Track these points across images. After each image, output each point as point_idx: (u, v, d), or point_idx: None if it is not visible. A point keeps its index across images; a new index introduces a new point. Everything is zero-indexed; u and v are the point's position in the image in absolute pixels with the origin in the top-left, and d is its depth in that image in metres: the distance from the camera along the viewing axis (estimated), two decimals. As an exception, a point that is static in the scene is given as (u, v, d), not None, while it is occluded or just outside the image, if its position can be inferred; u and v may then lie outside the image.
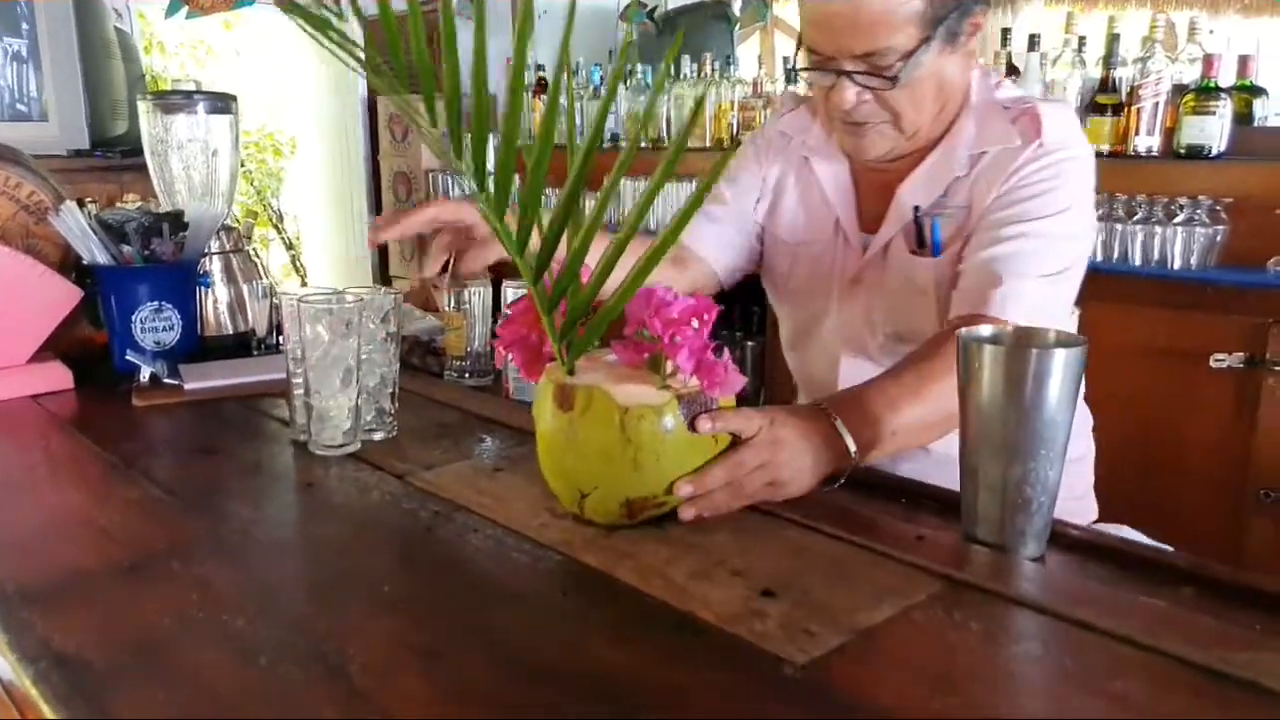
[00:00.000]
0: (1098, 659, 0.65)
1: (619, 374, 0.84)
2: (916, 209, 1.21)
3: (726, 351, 0.84)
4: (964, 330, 0.84)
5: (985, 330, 0.87)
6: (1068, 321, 1.22)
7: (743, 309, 3.34)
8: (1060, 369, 0.78)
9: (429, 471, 1.01)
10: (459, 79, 0.77)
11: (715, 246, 1.37)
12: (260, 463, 1.07)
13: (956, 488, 0.86)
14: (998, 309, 1.09)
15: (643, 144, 3.56)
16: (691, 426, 0.83)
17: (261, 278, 1.64)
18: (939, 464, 1.17)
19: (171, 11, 3.77)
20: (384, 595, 0.74)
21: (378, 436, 1.12)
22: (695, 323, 0.81)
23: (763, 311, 3.06)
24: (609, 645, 0.66)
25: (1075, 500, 1.31)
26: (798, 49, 1.22)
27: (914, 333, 1.24)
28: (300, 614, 0.71)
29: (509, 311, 0.91)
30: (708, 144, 3.35)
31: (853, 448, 0.94)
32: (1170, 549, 0.88)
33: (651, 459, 0.81)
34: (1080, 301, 1.25)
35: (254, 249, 1.67)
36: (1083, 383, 1.23)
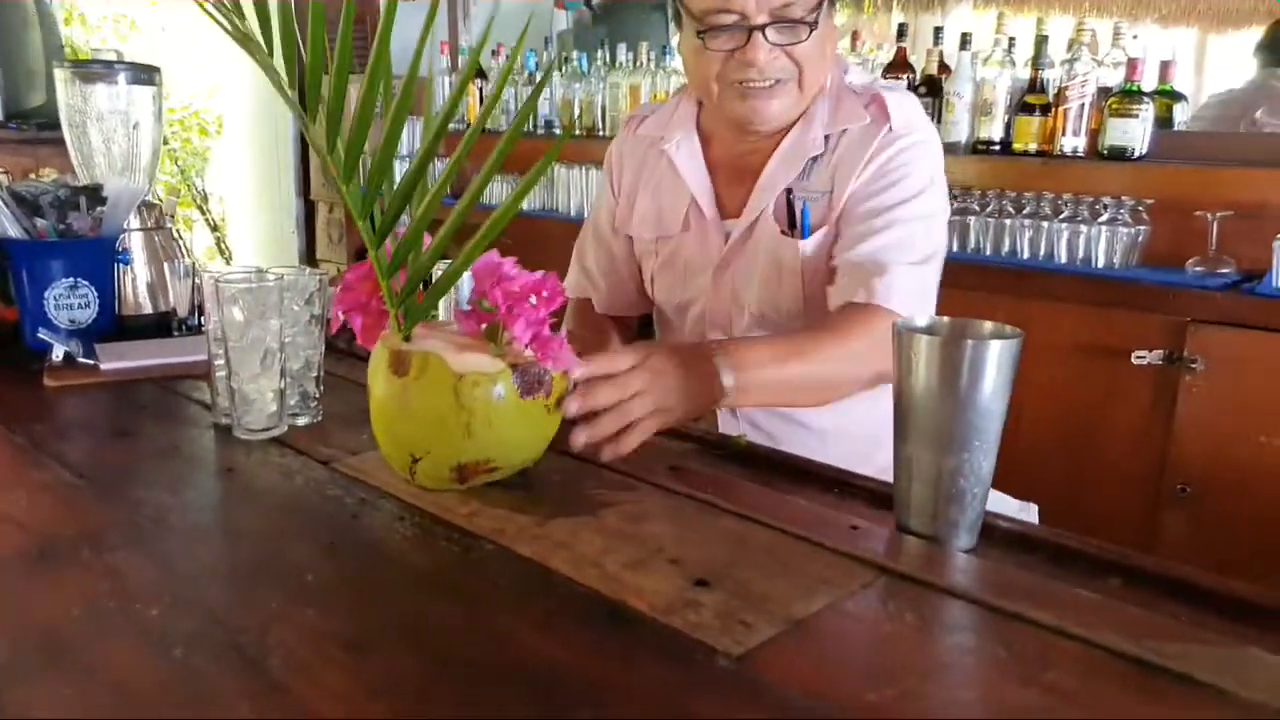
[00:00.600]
0: (1031, 649, 0.65)
1: (456, 342, 0.85)
2: (789, 190, 1.24)
3: (564, 331, 0.88)
4: (899, 321, 0.84)
5: (921, 320, 0.87)
6: (932, 305, 1.24)
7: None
8: (996, 360, 0.78)
9: (355, 457, 0.98)
10: (321, 54, 0.77)
11: (621, 304, 1.46)
12: (179, 447, 1.02)
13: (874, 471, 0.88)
14: (882, 298, 1.14)
15: (578, 132, 3.53)
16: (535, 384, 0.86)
17: (183, 256, 1.58)
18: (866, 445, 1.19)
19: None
20: (307, 585, 0.71)
21: (302, 421, 1.08)
22: (534, 299, 0.83)
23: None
24: (541, 637, 0.65)
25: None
26: (677, 17, 1.22)
27: (780, 313, 1.27)
28: (217, 604, 0.68)
29: (346, 277, 0.90)
30: (645, 133, 3.34)
31: (729, 383, 1.01)
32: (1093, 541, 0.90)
33: (484, 425, 0.83)
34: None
35: (177, 229, 1.61)
36: None
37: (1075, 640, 0.66)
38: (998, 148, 2.51)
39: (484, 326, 0.86)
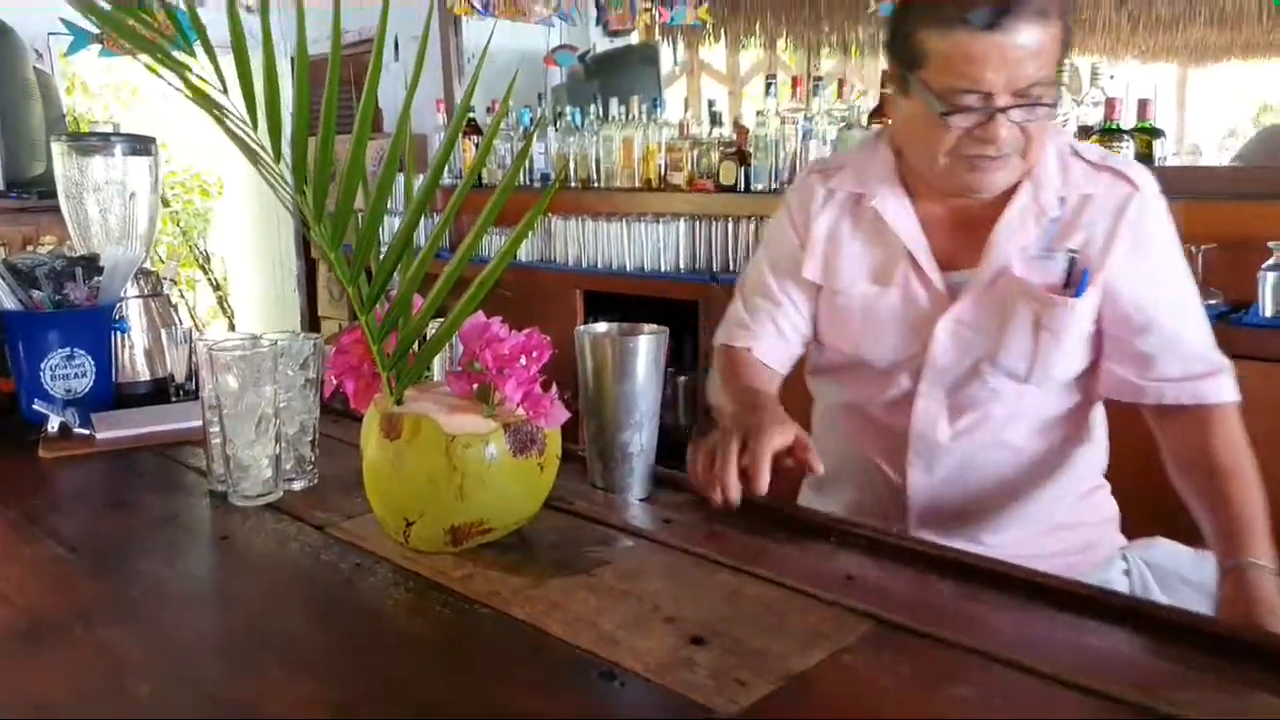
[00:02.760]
0: (1030, 701, 0.65)
1: (448, 403, 0.86)
2: (1074, 251, 1.21)
3: (555, 386, 0.88)
4: (579, 327, 1.05)
5: (600, 326, 1.09)
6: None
7: (675, 343, 3.36)
8: (644, 353, 1.02)
9: (350, 521, 0.98)
10: (307, 118, 0.78)
11: (779, 354, 1.37)
12: (175, 516, 1.02)
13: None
14: (1228, 394, 1.20)
15: (572, 183, 3.57)
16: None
17: (180, 322, 1.59)
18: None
19: (74, 49, 3.70)
20: (300, 655, 0.71)
21: (298, 485, 1.08)
22: (524, 359, 0.84)
23: (695, 345, 3.07)
24: (534, 702, 0.65)
25: (1097, 526, 1.34)
26: (898, 81, 1.19)
27: (1025, 368, 1.24)
28: (209, 678, 0.68)
29: (341, 340, 0.91)
30: (636, 184, 3.37)
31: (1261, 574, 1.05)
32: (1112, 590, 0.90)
33: (477, 486, 0.83)
34: None
35: (179, 290, 1.63)
36: (1102, 421, 1.33)
37: (1077, 689, 0.65)
38: (985, 188, 2.53)
39: (475, 387, 0.86)
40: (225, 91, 0.80)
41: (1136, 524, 1.36)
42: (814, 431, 1.40)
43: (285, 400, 1.05)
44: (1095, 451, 1.33)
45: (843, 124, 2.90)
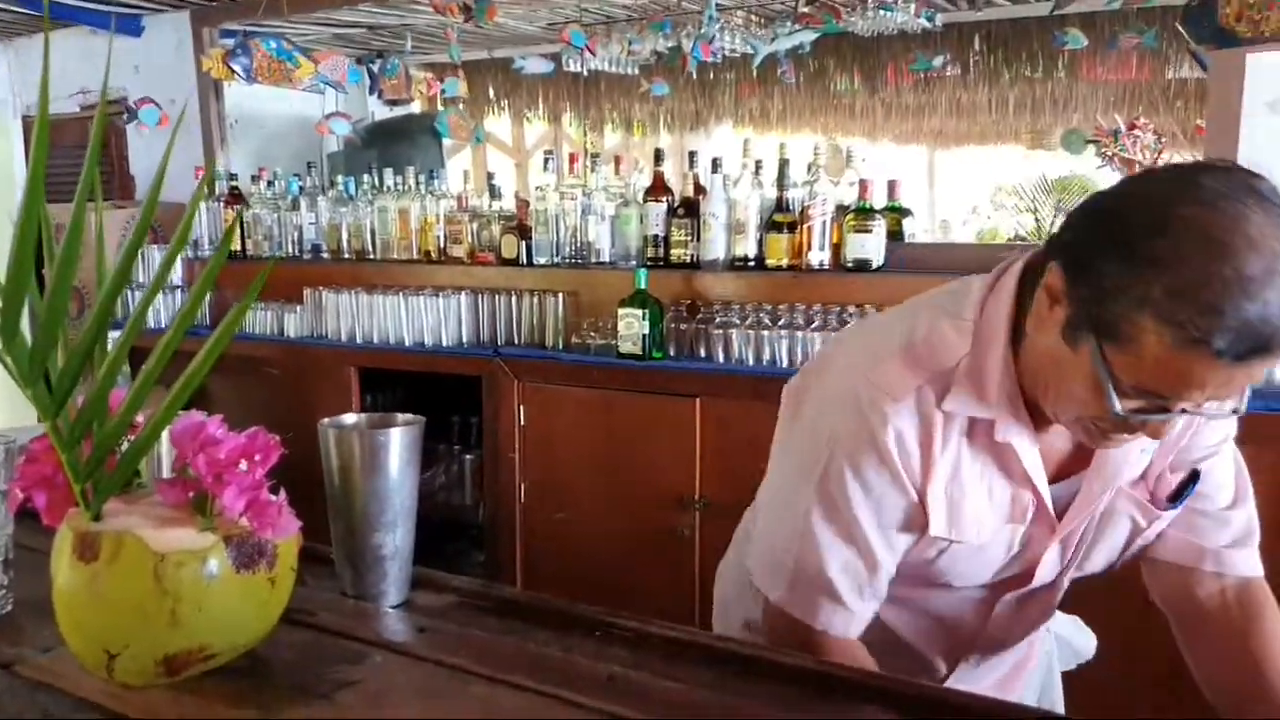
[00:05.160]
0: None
1: (157, 516, 0.77)
2: (1197, 471, 1.09)
3: (283, 491, 0.80)
4: (322, 422, 0.96)
5: (348, 418, 1.00)
6: None
7: (461, 421, 3.27)
8: (395, 447, 0.95)
9: (47, 654, 0.85)
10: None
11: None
12: None
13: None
14: (1254, 567, 1.11)
15: (346, 255, 3.44)
16: None
17: None
18: None
19: None
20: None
21: (-10, 613, 0.94)
22: (244, 464, 0.76)
23: (480, 423, 3.00)
24: None
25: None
26: (1054, 305, 0.93)
27: (1107, 566, 1.15)
28: None
29: (31, 447, 0.81)
30: (415, 255, 3.29)
31: None
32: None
33: (193, 610, 0.75)
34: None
35: None
36: None
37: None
38: (752, 263, 2.65)
39: (191, 495, 0.77)
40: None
41: None
42: None
43: (-27, 515, 0.91)
44: None
45: (619, 200, 2.96)
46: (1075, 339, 0.91)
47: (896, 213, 2.65)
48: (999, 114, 5.28)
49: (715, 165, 2.66)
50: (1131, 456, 1.05)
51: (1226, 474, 1.12)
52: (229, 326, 0.75)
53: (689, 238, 2.72)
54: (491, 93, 5.87)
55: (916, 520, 1.04)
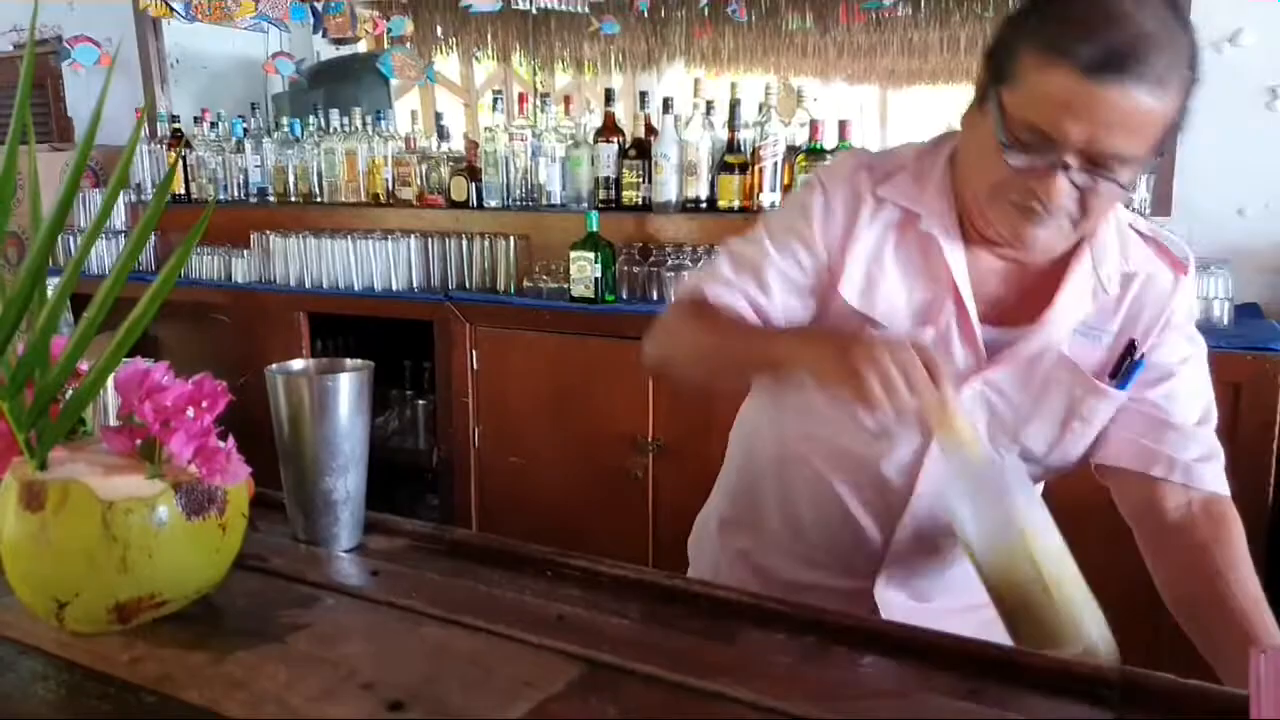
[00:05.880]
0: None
1: (104, 464, 0.77)
2: (1133, 342, 1.11)
3: (232, 438, 0.80)
4: (269, 368, 0.97)
5: (296, 364, 1.02)
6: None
7: (413, 366, 3.26)
8: (345, 391, 0.96)
9: (-4, 604, 0.85)
10: None
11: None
12: None
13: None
14: (1226, 487, 1.11)
15: (293, 198, 3.38)
16: None
17: None
18: None
19: None
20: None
21: (-64, 564, 0.93)
22: (192, 411, 0.76)
23: (431, 367, 2.99)
24: (202, 804, 0.58)
25: None
26: (981, 97, 1.04)
27: (1052, 456, 1.15)
28: None
29: None
30: (363, 198, 3.25)
31: None
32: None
33: (142, 557, 0.75)
34: None
35: None
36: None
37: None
38: (704, 205, 2.64)
39: (138, 443, 0.77)
40: None
41: None
42: (779, 470, 1.24)
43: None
44: None
45: (570, 142, 2.93)
46: (984, 95, 1.03)
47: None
48: (950, 53, 5.27)
49: (667, 106, 2.64)
50: (1074, 313, 1.10)
51: (1193, 394, 1.14)
52: (172, 271, 0.74)
53: (640, 179, 2.70)
54: (439, 31, 5.74)
55: (822, 277, 1.15)
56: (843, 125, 2.53)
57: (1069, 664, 0.77)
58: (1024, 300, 1.12)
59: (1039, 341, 1.10)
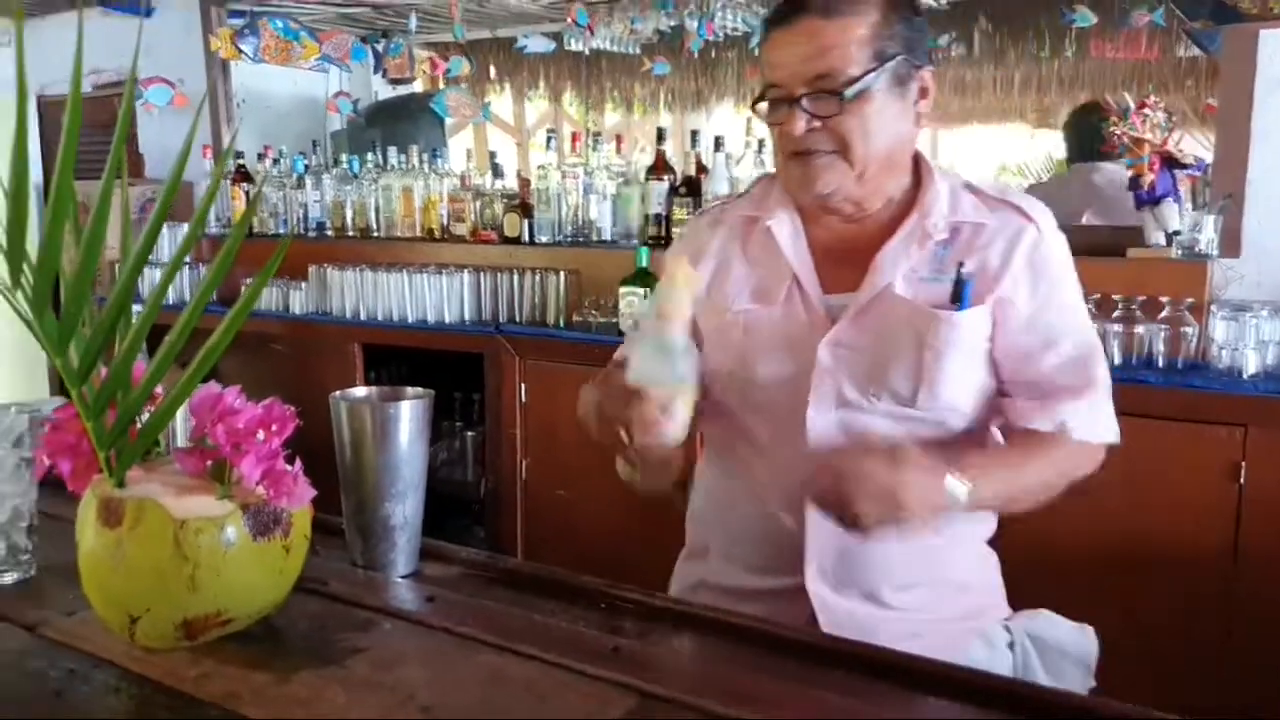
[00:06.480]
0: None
1: (177, 484, 0.79)
2: (961, 264, 1.22)
3: (299, 461, 0.82)
4: (334, 395, 1.01)
5: (358, 391, 1.06)
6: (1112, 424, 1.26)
7: (463, 398, 3.29)
8: (405, 419, 0.99)
9: (70, 618, 0.87)
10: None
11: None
12: None
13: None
14: (1067, 429, 1.20)
15: (350, 233, 3.46)
16: None
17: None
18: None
19: None
20: (-10, 789, 0.62)
21: (10, 579, 0.96)
22: (262, 434, 0.78)
23: (482, 400, 3.02)
24: (267, 819, 0.59)
25: (990, 593, 1.33)
26: (755, 101, 1.26)
27: (921, 393, 1.22)
28: None
29: (55, 417, 0.82)
30: (419, 233, 3.31)
31: (959, 492, 1.09)
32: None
33: (211, 575, 0.77)
34: None
35: None
36: None
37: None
38: (756, 243, 2.65)
39: (209, 464, 0.79)
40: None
41: (1020, 597, 1.35)
42: (707, 490, 1.38)
43: (-6, 484, 0.94)
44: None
45: (621, 179, 2.96)
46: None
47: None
48: (1004, 92, 5.26)
49: (718, 144, 2.66)
50: (900, 262, 1.23)
51: (1043, 318, 1.23)
52: (248, 300, 0.77)
53: (691, 216, 2.72)
54: (493, 72, 5.85)
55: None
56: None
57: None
58: (860, 268, 1.25)
59: (868, 292, 1.23)
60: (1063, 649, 1.26)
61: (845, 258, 1.27)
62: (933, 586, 1.25)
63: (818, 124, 1.18)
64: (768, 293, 1.29)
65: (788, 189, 1.29)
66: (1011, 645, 1.25)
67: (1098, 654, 1.26)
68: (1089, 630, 1.28)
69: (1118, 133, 2.27)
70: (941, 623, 1.22)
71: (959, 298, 1.21)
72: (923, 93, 1.25)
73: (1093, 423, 1.22)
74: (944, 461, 1.10)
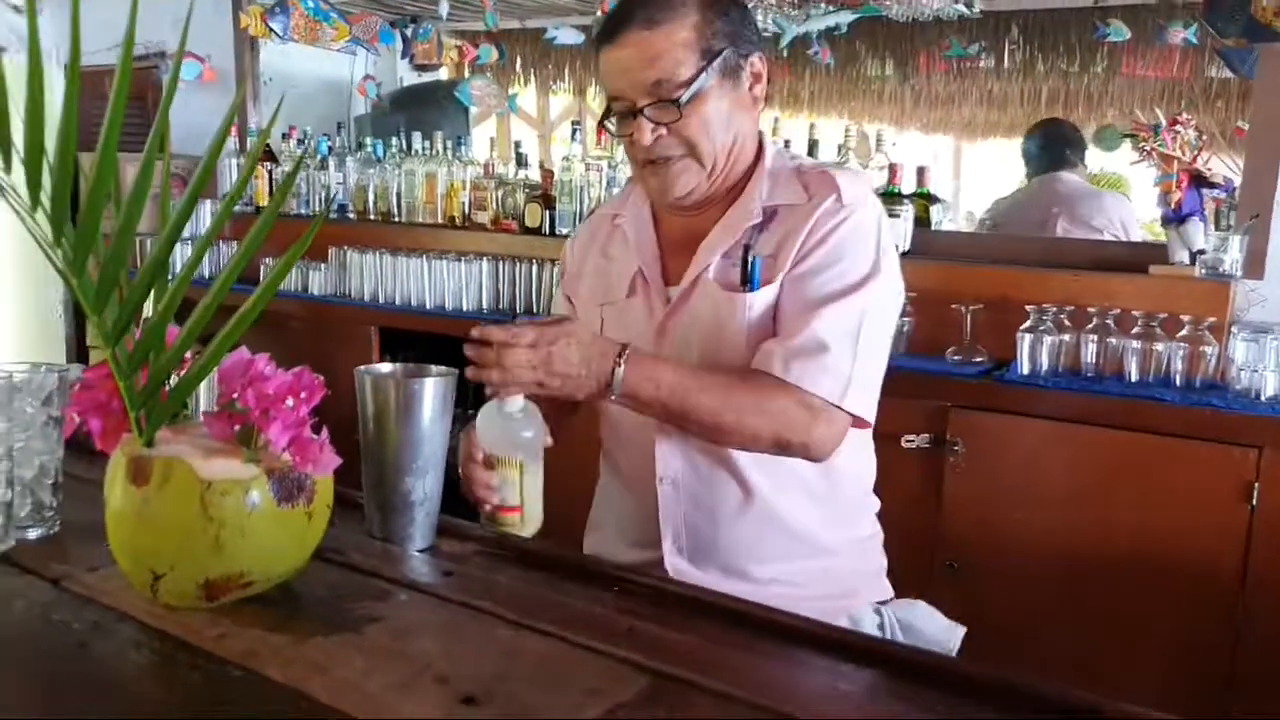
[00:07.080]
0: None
1: (205, 446, 0.80)
2: (748, 247, 1.29)
3: (325, 430, 0.83)
4: (359, 368, 1.01)
5: (383, 367, 1.07)
6: (868, 396, 1.27)
7: (477, 385, 3.30)
8: (430, 396, 0.99)
9: (93, 574, 0.88)
10: (41, 133, 0.71)
11: None
12: (-125, 572, 0.90)
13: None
14: (794, 379, 1.21)
15: (372, 216, 3.47)
16: None
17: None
18: None
19: None
20: (15, 732, 0.63)
21: (34, 535, 0.97)
22: (291, 401, 0.79)
23: (495, 390, 3.02)
24: (287, 774, 0.60)
25: (864, 575, 1.38)
26: (603, 117, 1.33)
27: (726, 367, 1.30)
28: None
29: (85, 377, 0.84)
30: (440, 220, 3.32)
31: (619, 373, 1.16)
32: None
33: (235, 536, 0.78)
34: None
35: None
36: (872, 470, 1.40)
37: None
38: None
39: (237, 429, 0.80)
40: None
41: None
42: (602, 468, 1.52)
43: (22, 440, 0.95)
44: (849, 478, 1.36)
45: (645, 173, 2.97)
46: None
47: (925, 199, 2.65)
48: (1031, 106, 5.23)
49: (744, 144, 2.66)
50: (717, 248, 1.30)
51: (807, 286, 1.25)
52: (282, 270, 0.78)
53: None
54: (519, 64, 5.86)
55: (562, 278, 1.51)
56: (921, 171, 2.53)
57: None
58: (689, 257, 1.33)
59: (688, 279, 1.32)
60: (929, 641, 1.30)
61: (687, 247, 1.35)
62: (794, 561, 1.31)
63: (663, 130, 1.24)
64: (619, 288, 1.40)
65: (650, 197, 1.37)
66: (881, 628, 1.31)
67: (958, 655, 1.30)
68: (960, 630, 1.33)
69: (1147, 149, 2.26)
70: (807, 600, 1.19)
71: (748, 279, 1.28)
72: (756, 78, 1.30)
73: (818, 376, 1.21)
74: (637, 354, 1.19)
